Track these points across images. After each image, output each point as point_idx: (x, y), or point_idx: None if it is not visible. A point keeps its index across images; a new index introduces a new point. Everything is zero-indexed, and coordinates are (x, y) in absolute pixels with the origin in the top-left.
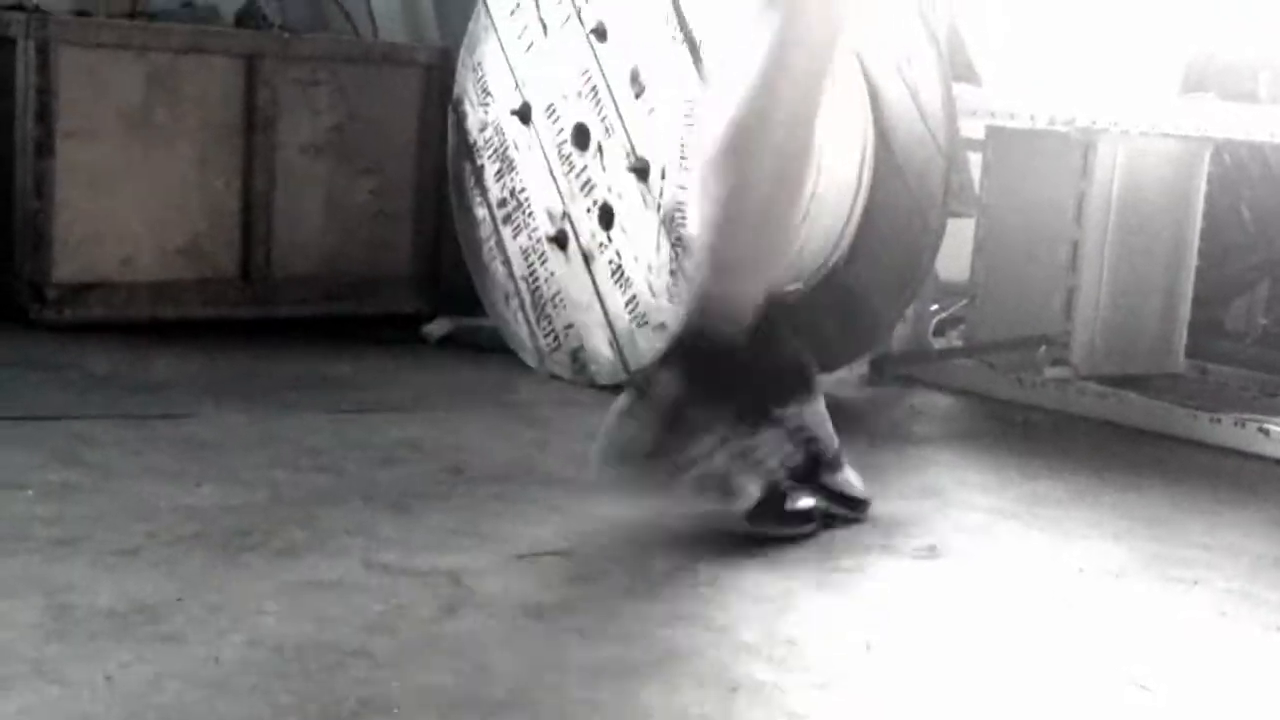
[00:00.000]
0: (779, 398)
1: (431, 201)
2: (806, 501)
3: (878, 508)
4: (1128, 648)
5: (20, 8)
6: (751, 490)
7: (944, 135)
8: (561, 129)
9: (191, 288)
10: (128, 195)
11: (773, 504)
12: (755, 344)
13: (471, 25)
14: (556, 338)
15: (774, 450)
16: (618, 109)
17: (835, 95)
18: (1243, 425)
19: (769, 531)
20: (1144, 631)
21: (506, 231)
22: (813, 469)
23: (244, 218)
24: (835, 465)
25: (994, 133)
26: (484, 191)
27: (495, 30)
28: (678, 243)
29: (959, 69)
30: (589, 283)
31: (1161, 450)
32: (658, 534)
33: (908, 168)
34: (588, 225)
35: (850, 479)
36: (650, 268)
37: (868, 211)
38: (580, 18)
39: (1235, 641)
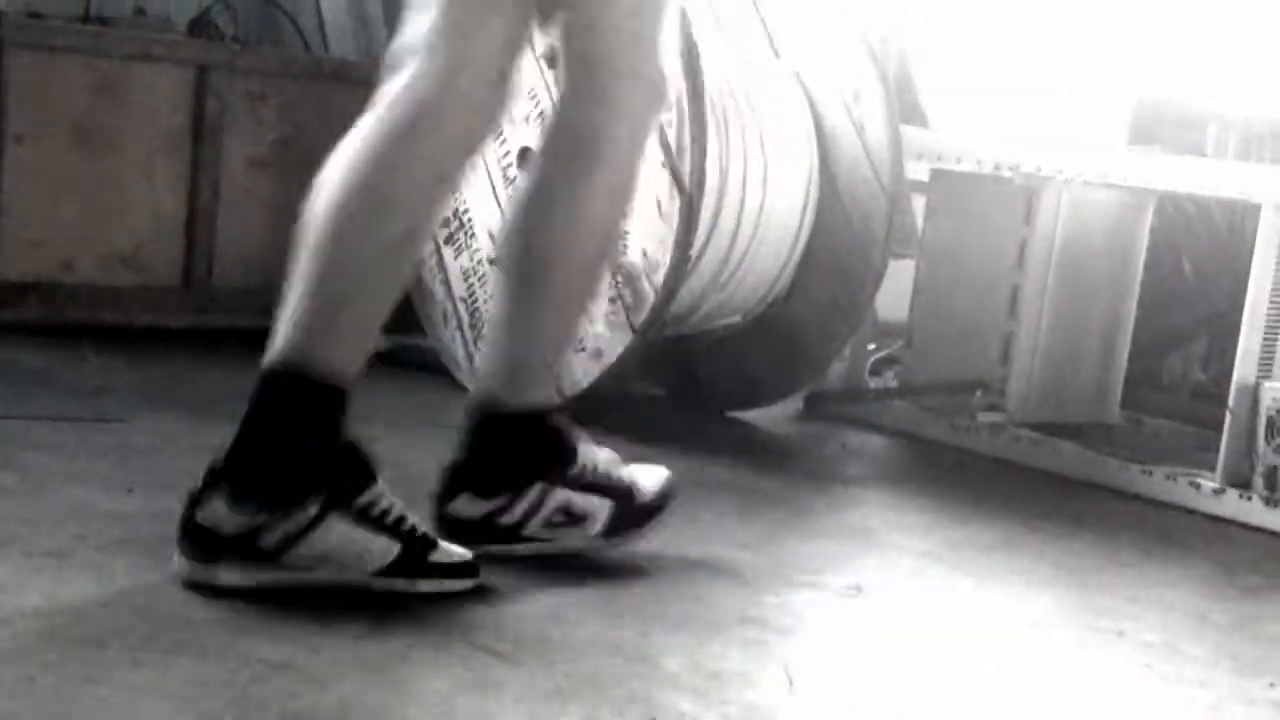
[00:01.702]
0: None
1: None
2: (457, 550)
3: (805, 546)
4: (1049, 697)
5: None
6: (386, 547)
7: (889, 176)
8: (507, 151)
9: (132, 294)
10: (73, 200)
11: (416, 557)
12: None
13: None
14: None
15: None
16: None
17: (782, 130)
18: (1174, 479)
19: (415, 589)
20: (1066, 681)
21: (448, 251)
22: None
23: (187, 227)
24: (431, 542)
25: (939, 175)
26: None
27: None
28: (618, 270)
29: (906, 110)
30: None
31: (1092, 500)
32: (585, 561)
33: (851, 206)
34: None
35: (449, 548)
36: None
37: (809, 248)
38: (530, 42)
39: (1157, 695)
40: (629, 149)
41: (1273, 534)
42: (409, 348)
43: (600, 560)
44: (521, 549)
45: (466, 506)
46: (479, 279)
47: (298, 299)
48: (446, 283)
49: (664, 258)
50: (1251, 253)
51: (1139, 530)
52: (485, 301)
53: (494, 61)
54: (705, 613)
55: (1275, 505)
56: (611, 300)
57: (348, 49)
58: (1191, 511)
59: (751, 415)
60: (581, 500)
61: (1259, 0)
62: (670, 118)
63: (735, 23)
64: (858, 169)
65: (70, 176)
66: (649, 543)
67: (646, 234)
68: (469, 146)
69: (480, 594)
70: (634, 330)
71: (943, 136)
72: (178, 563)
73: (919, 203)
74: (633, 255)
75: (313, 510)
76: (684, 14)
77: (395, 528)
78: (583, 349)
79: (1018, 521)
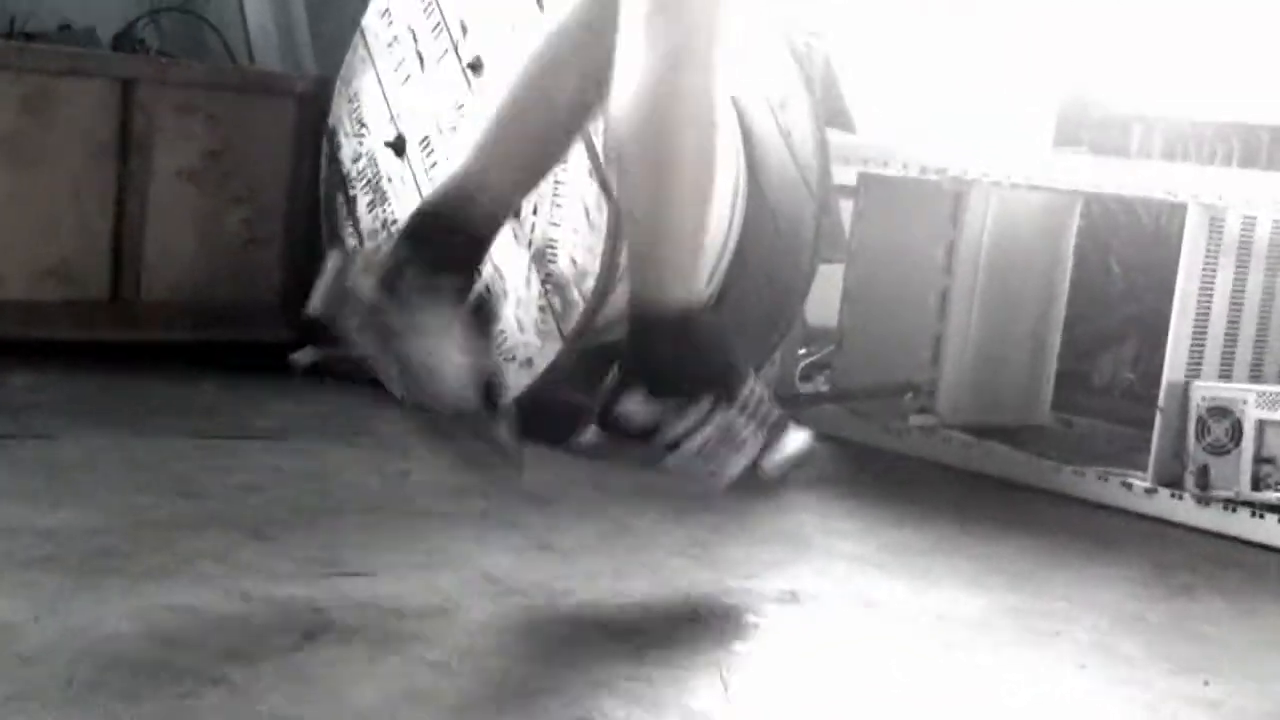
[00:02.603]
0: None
1: (303, 230)
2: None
3: (739, 551)
4: (986, 699)
5: None
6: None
7: (816, 180)
8: (435, 162)
9: (60, 309)
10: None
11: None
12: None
13: (349, 56)
14: None
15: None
16: None
17: None
18: (1106, 479)
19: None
20: (1003, 683)
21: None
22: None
23: (115, 241)
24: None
25: (866, 179)
26: (356, 222)
27: (372, 62)
28: (548, 279)
29: (833, 115)
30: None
31: (1025, 501)
32: (518, 569)
33: (779, 210)
34: None
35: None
36: (519, 303)
37: (737, 253)
38: (458, 52)
39: (1093, 695)
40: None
41: (1205, 532)
42: (338, 359)
43: (534, 566)
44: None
45: (638, 408)
46: None
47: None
48: None
49: (593, 266)
50: (1179, 252)
51: (1072, 531)
52: None
53: None
54: (640, 618)
55: (1207, 504)
56: (541, 309)
57: (273, 61)
58: (1124, 511)
59: None
60: (743, 427)
61: (1183, 2)
62: (598, 127)
63: None
64: (785, 174)
65: None
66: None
67: (575, 243)
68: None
69: (413, 604)
70: (564, 338)
71: (869, 140)
72: (589, 437)
73: (847, 207)
74: (562, 264)
75: (705, 408)
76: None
77: (764, 419)
78: (513, 358)
79: (951, 524)
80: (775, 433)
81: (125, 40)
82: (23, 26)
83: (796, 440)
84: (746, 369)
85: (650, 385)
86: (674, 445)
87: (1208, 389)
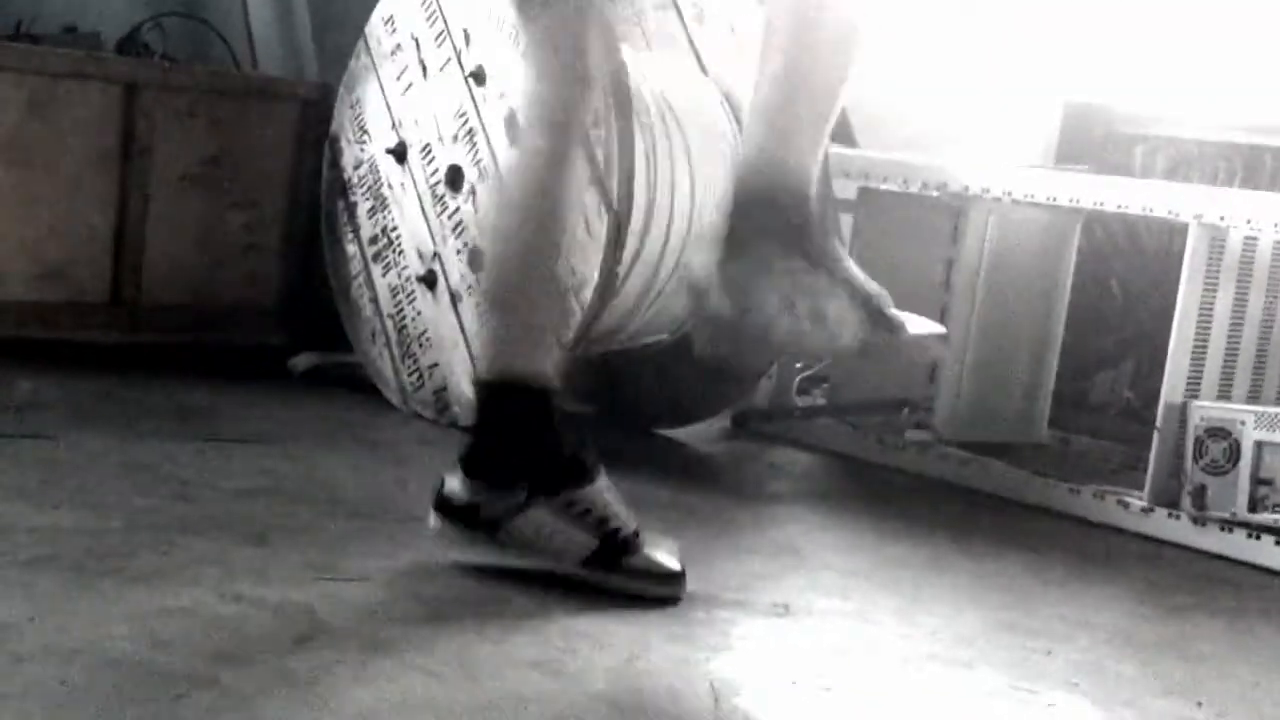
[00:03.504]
0: (551, 486)
1: (303, 236)
2: (664, 561)
3: (732, 564)
4: (977, 716)
5: None
6: (586, 541)
7: (816, 194)
8: (436, 170)
9: (61, 310)
10: (2, 216)
11: (612, 555)
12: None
13: (352, 63)
14: (421, 377)
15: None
16: (493, 152)
17: (710, 148)
18: (1102, 497)
19: (608, 585)
20: (994, 701)
21: (376, 269)
22: (609, 553)
23: (116, 244)
24: (633, 547)
25: (866, 194)
26: (356, 228)
27: (375, 70)
28: None
29: (834, 129)
30: (455, 323)
31: (1021, 519)
32: (513, 577)
33: None
34: (458, 266)
35: (657, 556)
36: None
37: None
38: (460, 61)
39: (1086, 715)
40: None
41: (1200, 553)
42: (336, 364)
43: (525, 577)
44: (493, 559)
45: (456, 485)
46: (407, 296)
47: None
48: (375, 300)
49: (591, 275)
50: (1179, 272)
51: (1067, 549)
52: (413, 319)
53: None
54: (631, 631)
55: (1203, 524)
56: None
57: (276, 66)
58: (1120, 530)
59: (679, 433)
60: (567, 528)
61: (1185, 20)
62: (598, 134)
63: (663, 40)
64: None
65: (0, 193)
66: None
67: (573, 251)
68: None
69: (406, 611)
70: (561, 347)
71: (870, 155)
72: (430, 523)
73: (846, 221)
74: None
75: (520, 496)
76: (611, 31)
77: (597, 525)
78: None
79: (945, 540)
80: (615, 546)
81: (129, 44)
82: (28, 29)
83: (652, 577)
84: (588, 469)
85: (466, 464)
86: (493, 527)
87: (1206, 409)
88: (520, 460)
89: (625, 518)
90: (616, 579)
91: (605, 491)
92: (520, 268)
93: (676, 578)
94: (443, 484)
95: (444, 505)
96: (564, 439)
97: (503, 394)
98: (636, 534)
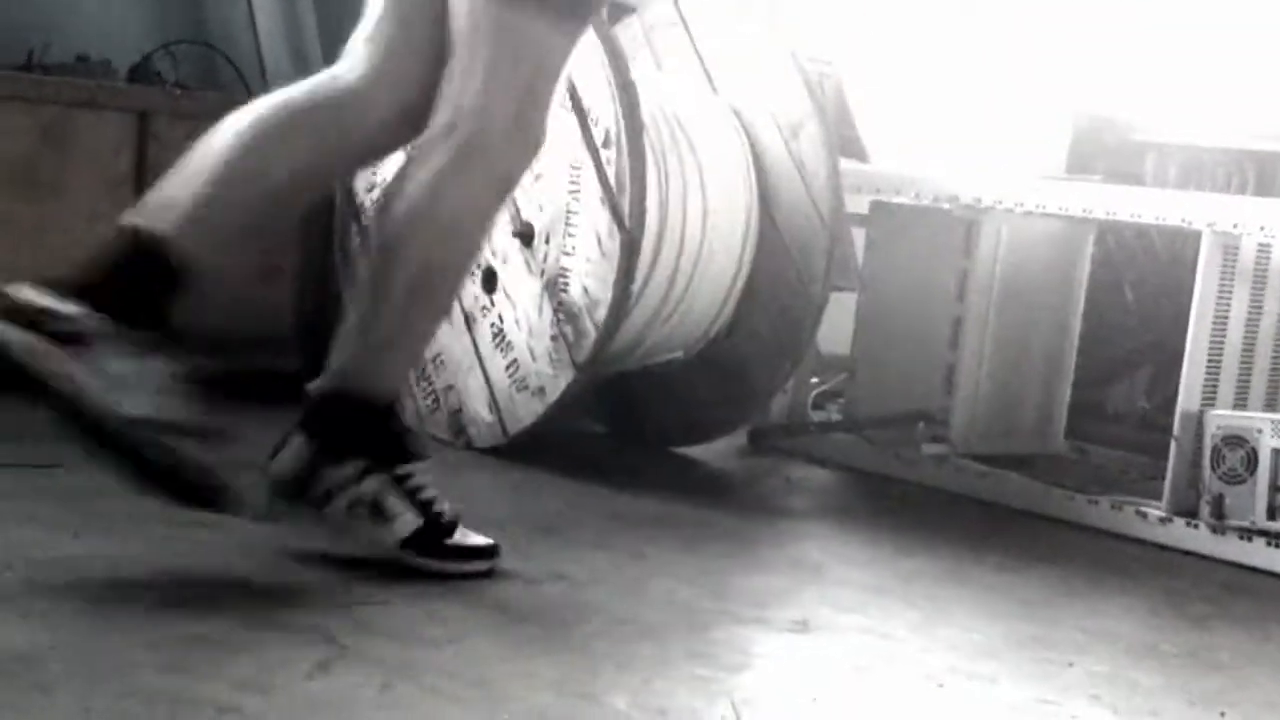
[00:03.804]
0: (388, 459)
1: (317, 260)
2: (478, 538)
3: (751, 580)
4: None
5: None
6: (407, 517)
7: (828, 209)
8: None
9: None
10: (15, 245)
11: (433, 537)
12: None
13: None
14: (436, 399)
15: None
16: None
17: (721, 165)
18: (1120, 508)
19: (429, 568)
20: (1017, 714)
21: None
22: (432, 534)
23: None
24: (452, 531)
25: (878, 208)
26: (369, 252)
27: None
28: (560, 308)
29: (845, 144)
30: (470, 345)
31: (1039, 531)
32: (532, 599)
33: (791, 240)
34: (471, 288)
35: (469, 535)
36: (531, 332)
37: (750, 282)
38: None
39: None
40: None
41: (1220, 562)
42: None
43: (546, 596)
44: (323, 523)
45: (284, 462)
46: None
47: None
48: None
49: (605, 295)
50: (1193, 280)
51: (1087, 560)
52: None
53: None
54: (651, 649)
55: (1222, 533)
56: (554, 338)
57: None
58: (1139, 540)
59: (695, 451)
60: (394, 502)
61: (1196, 29)
62: (610, 155)
63: (673, 59)
64: (797, 203)
65: (14, 222)
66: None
67: (587, 271)
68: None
69: (426, 634)
70: (576, 367)
71: (882, 169)
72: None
73: (859, 235)
74: (574, 292)
75: (353, 468)
76: (621, 50)
77: (424, 506)
78: (525, 387)
79: (964, 553)
80: (437, 528)
81: (141, 72)
82: (40, 59)
83: (469, 553)
84: (421, 447)
85: (310, 433)
86: (324, 499)
87: (1223, 418)
88: (360, 432)
89: (446, 503)
90: (435, 562)
91: (429, 474)
92: (443, 297)
93: (490, 550)
94: (273, 455)
95: (277, 477)
96: (400, 418)
97: (347, 409)
98: (456, 520)
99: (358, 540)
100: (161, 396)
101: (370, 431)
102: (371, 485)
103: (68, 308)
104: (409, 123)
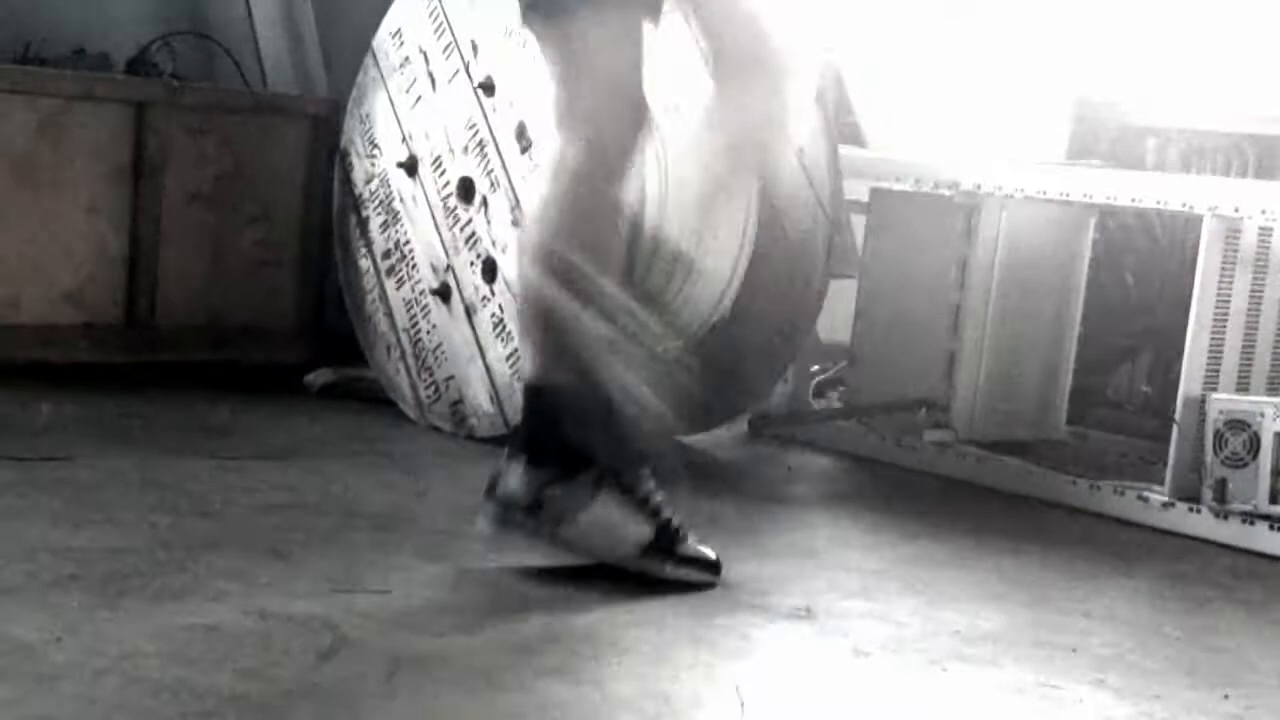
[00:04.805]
0: (617, 472)
1: (316, 252)
2: (705, 550)
3: (753, 568)
4: (1004, 713)
5: None
6: (642, 531)
7: (828, 196)
8: (448, 182)
9: (76, 332)
10: (15, 239)
11: (666, 544)
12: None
13: (360, 77)
14: (437, 390)
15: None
16: (504, 163)
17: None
18: (1122, 493)
19: (663, 574)
20: (1021, 697)
21: (390, 283)
22: (665, 541)
23: (130, 264)
24: (682, 535)
25: (878, 195)
26: (369, 243)
27: (384, 83)
28: None
29: (845, 131)
30: (471, 335)
31: (1041, 516)
32: (535, 587)
33: (791, 227)
34: (471, 278)
35: (698, 546)
36: None
37: (750, 270)
38: (469, 72)
39: (1112, 709)
40: None
41: (1222, 546)
42: (352, 380)
43: (548, 584)
44: (554, 552)
45: (515, 484)
46: (421, 310)
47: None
48: (389, 314)
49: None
50: (1194, 265)
51: (1089, 545)
52: (428, 332)
53: None
54: (656, 637)
55: (1224, 517)
56: None
57: (285, 83)
58: (1141, 525)
59: (696, 439)
60: (628, 513)
61: (1195, 13)
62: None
63: (671, 45)
64: (797, 190)
65: (13, 215)
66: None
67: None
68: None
69: (429, 622)
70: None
71: (881, 156)
72: (480, 525)
73: (859, 222)
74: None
75: (588, 486)
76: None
77: (654, 513)
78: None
79: (966, 539)
80: (669, 535)
81: (139, 64)
82: (38, 51)
83: (699, 564)
84: (641, 457)
85: (530, 454)
86: (558, 520)
87: (1225, 402)
88: (587, 448)
89: (671, 506)
90: (670, 567)
91: (653, 479)
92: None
93: (718, 565)
94: (494, 485)
95: (505, 505)
96: (625, 426)
97: (563, 392)
98: (682, 523)
99: (592, 554)
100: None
101: (599, 442)
102: (606, 500)
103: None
104: None
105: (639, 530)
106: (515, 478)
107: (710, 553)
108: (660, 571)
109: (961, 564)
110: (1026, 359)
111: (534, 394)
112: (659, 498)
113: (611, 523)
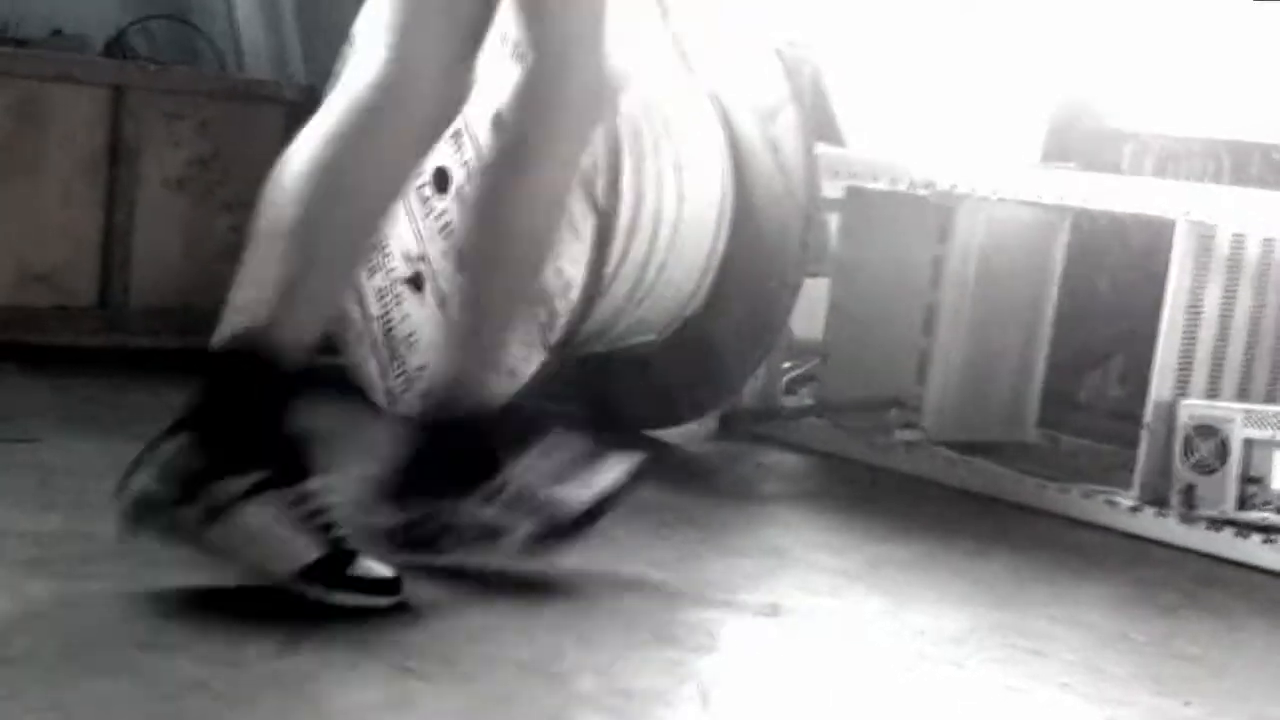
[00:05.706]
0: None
1: None
2: (380, 568)
3: (721, 565)
4: (966, 715)
5: None
6: (308, 550)
7: (803, 193)
8: (422, 172)
9: (49, 315)
10: None
11: (333, 566)
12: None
13: (339, 66)
14: (408, 379)
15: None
16: (479, 153)
17: (696, 148)
18: (1091, 496)
19: (327, 599)
20: (985, 701)
21: (363, 272)
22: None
23: (104, 248)
24: (354, 556)
25: (853, 193)
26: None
27: None
28: None
29: (821, 128)
30: (443, 325)
31: (1009, 518)
32: (500, 576)
33: (766, 224)
34: (445, 268)
35: (373, 564)
36: None
37: (724, 265)
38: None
39: (1076, 714)
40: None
41: (1190, 552)
42: (320, 367)
43: (515, 578)
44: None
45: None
46: (393, 299)
47: (249, 279)
48: (362, 302)
49: (578, 276)
50: (1167, 270)
51: (1056, 548)
52: (400, 321)
53: (453, 50)
54: (620, 632)
55: (1192, 523)
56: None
57: (263, 69)
58: (1108, 529)
59: (667, 434)
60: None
61: (1172, 18)
62: (592, 148)
63: (647, 40)
64: (773, 187)
65: None
66: (567, 559)
67: (560, 253)
68: (429, 134)
69: (395, 611)
70: (547, 349)
71: (858, 154)
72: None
73: (833, 220)
74: (547, 275)
75: (242, 486)
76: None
77: (321, 530)
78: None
79: (935, 539)
80: (338, 557)
81: (116, 47)
82: (14, 33)
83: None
84: (310, 468)
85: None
86: (210, 515)
87: (1195, 407)
88: (259, 441)
89: (344, 521)
90: (339, 594)
91: (328, 492)
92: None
93: (394, 584)
94: (137, 466)
95: (137, 502)
96: (300, 425)
97: (244, 368)
98: (357, 549)
99: (240, 567)
100: None
101: (273, 437)
102: (265, 506)
103: None
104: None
105: (302, 545)
106: (165, 458)
107: (387, 570)
108: (324, 596)
109: (929, 565)
110: (999, 360)
111: (227, 358)
112: (328, 514)
113: (273, 535)
